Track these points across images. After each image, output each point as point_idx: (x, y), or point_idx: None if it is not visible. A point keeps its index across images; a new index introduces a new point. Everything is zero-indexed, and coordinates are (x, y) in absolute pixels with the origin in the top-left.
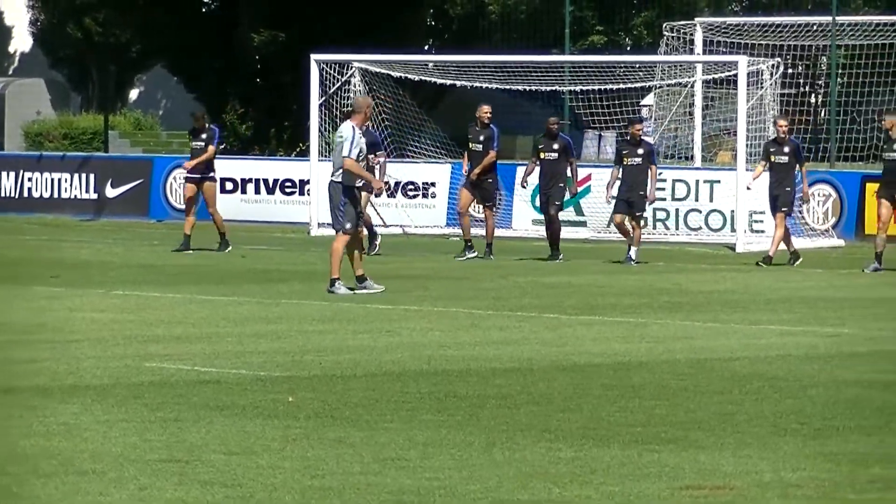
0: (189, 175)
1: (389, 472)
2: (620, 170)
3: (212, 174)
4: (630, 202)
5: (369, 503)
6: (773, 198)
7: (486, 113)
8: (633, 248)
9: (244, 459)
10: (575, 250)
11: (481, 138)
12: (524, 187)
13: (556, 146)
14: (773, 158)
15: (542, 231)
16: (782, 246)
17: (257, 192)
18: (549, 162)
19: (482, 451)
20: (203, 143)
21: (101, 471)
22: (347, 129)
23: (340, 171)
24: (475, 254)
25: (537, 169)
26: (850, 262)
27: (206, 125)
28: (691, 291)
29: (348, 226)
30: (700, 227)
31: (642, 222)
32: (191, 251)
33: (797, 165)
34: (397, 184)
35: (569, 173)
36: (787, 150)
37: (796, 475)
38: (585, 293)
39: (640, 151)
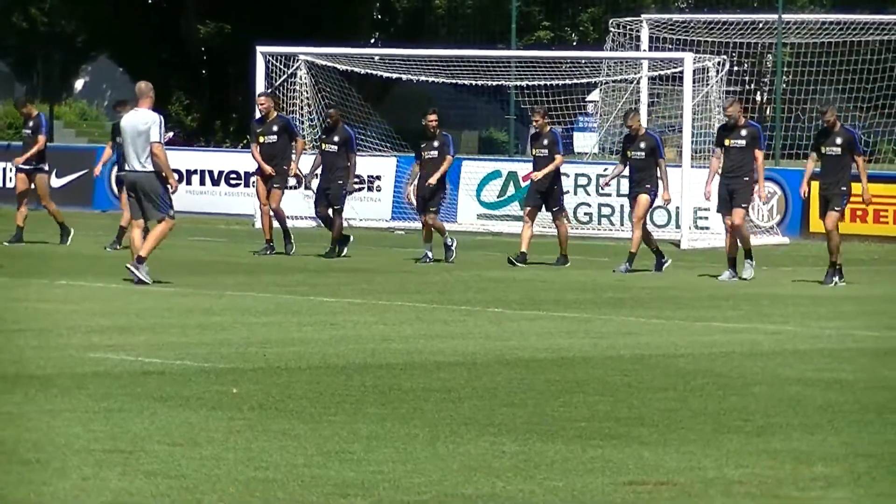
0: (20, 167)
1: (333, 465)
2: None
3: (42, 165)
4: (424, 198)
5: (313, 495)
6: (543, 193)
7: (260, 105)
8: (428, 245)
9: (188, 450)
10: (518, 246)
11: (274, 129)
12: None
13: (336, 138)
14: (534, 152)
15: (487, 225)
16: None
17: (202, 183)
18: (328, 154)
19: (426, 444)
20: (31, 132)
21: (45, 461)
22: (151, 114)
23: (149, 158)
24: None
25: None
26: (795, 259)
27: (34, 112)
28: (635, 287)
29: (172, 212)
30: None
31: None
32: (23, 243)
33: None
34: None
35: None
36: (545, 142)
37: (739, 472)
38: (529, 288)
39: (436, 144)
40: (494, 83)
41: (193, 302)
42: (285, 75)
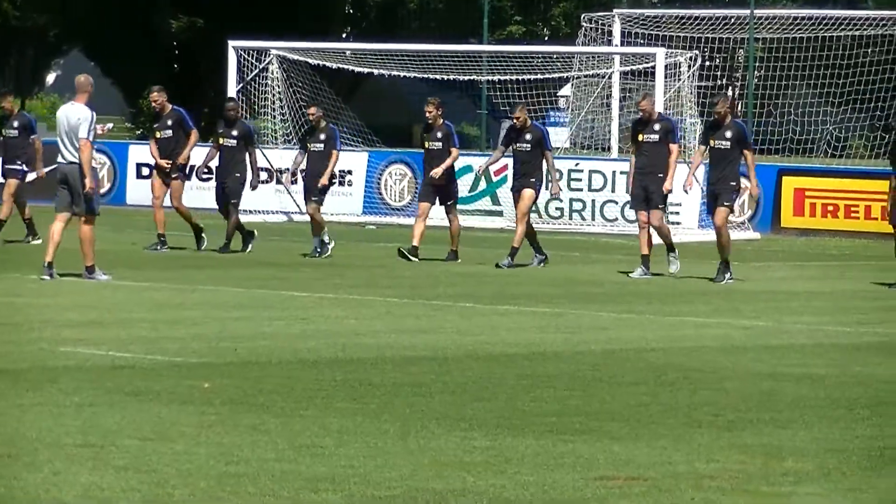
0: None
1: (304, 460)
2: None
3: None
4: (308, 189)
5: (284, 490)
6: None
7: (153, 101)
8: (316, 238)
9: (159, 445)
10: (491, 240)
11: (169, 122)
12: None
13: (234, 132)
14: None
15: (461, 220)
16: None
17: None
18: (227, 149)
19: (397, 439)
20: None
21: (16, 455)
22: (85, 110)
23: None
24: (167, 248)
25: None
26: (766, 255)
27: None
28: (607, 282)
29: (97, 208)
30: (616, 219)
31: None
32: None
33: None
34: None
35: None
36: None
37: (710, 467)
38: (501, 283)
39: (323, 137)
40: (466, 78)
41: (165, 297)
42: (257, 70)
